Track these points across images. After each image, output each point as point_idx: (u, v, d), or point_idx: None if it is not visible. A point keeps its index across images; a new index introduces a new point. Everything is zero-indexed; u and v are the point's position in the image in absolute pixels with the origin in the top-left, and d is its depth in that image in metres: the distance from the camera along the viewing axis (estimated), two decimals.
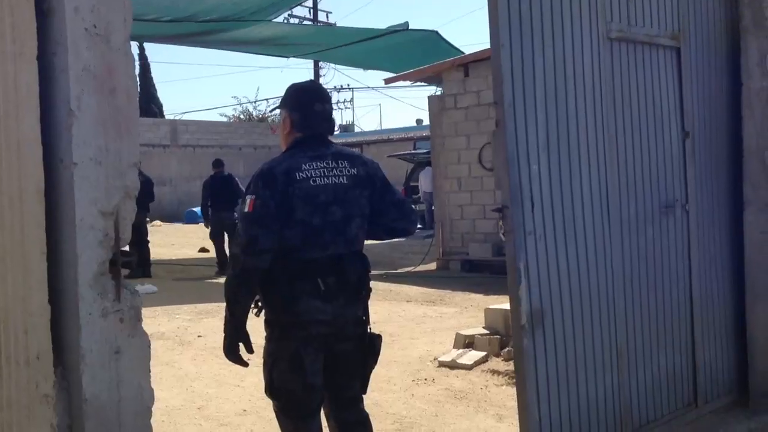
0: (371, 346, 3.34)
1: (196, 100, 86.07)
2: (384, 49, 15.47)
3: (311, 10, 35.01)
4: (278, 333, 3.19)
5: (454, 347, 6.70)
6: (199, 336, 7.86)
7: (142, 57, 36.95)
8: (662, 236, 4.55)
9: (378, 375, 6.01)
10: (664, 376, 4.54)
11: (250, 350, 3.17)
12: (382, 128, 38.96)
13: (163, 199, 25.97)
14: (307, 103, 3.24)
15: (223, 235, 13.05)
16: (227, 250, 12.95)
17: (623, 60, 4.35)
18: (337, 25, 34.44)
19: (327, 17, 37.27)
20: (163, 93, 65.25)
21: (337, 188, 3.17)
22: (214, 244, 13.27)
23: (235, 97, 62.59)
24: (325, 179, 3.15)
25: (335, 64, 30.81)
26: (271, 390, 3.21)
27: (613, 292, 4.24)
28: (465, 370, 6.15)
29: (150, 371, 2.36)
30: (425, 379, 5.94)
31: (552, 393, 3.88)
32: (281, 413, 3.23)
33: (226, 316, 3.13)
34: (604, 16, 4.23)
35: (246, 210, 3.09)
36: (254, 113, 35.13)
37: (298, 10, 33.95)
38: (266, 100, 47.95)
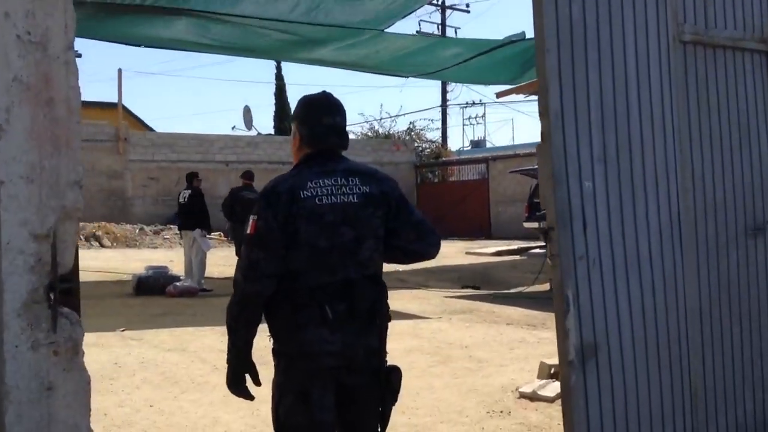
0: (387, 381, 3.04)
1: None
2: (501, 61, 15.01)
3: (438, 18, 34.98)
4: (284, 364, 2.95)
5: (538, 377, 6.27)
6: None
7: (279, 77, 37.84)
8: (749, 262, 4.03)
9: (452, 405, 5.72)
10: (751, 421, 4.01)
11: (257, 382, 2.94)
12: (515, 143, 38.28)
13: None
14: (316, 117, 3.01)
15: None
16: None
17: (699, 65, 3.89)
18: (453, 35, 34.18)
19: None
20: None
21: (347, 207, 2.90)
22: None
23: (361, 114, 63.49)
24: (333, 198, 2.89)
25: (453, 81, 30.50)
26: (277, 427, 2.97)
27: (686, 326, 3.78)
28: (545, 402, 5.72)
29: (89, 409, 2.16)
30: (501, 412, 5.56)
31: None
32: None
33: (228, 346, 2.93)
34: (675, 17, 3.79)
35: (248, 232, 2.88)
36: (380, 130, 35.27)
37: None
38: (391, 117, 48.22)
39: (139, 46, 14.46)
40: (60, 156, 2.05)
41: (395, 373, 3.07)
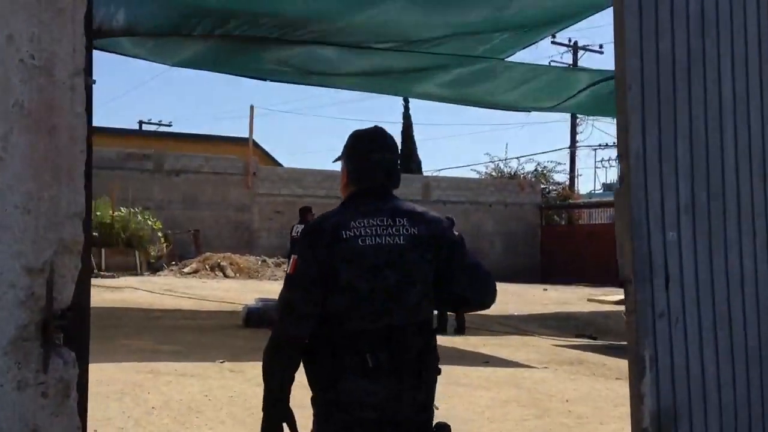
0: None
1: (452, 158, 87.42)
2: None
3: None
4: (322, 415, 2.77)
5: None
6: None
7: (406, 116, 38.14)
8: None
9: None
10: None
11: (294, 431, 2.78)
12: None
13: None
14: (363, 152, 2.84)
15: None
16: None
17: None
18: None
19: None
20: (423, 150, 67.10)
21: (392, 249, 2.71)
22: None
23: (487, 153, 62.83)
24: (378, 239, 2.71)
25: (578, 113, 29.61)
26: None
27: None
28: None
29: None
30: None
31: None
32: None
33: (264, 391, 2.77)
34: None
35: (288, 271, 2.75)
36: (505, 170, 34.84)
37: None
38: (517, 158, 47.51)
39: (264, 80, 14.83)
40: (60, 186, 1.97)
41: (444, 429, 2.83)
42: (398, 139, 31.51)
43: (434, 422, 2.85)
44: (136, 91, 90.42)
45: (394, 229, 2.74)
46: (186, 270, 22.23)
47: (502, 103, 16.57)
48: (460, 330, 12.59)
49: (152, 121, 40.70)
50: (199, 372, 7.98)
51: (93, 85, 2.02)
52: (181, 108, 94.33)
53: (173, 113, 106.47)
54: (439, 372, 2.85)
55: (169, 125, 39.92)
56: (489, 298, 2.89)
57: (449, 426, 2.87)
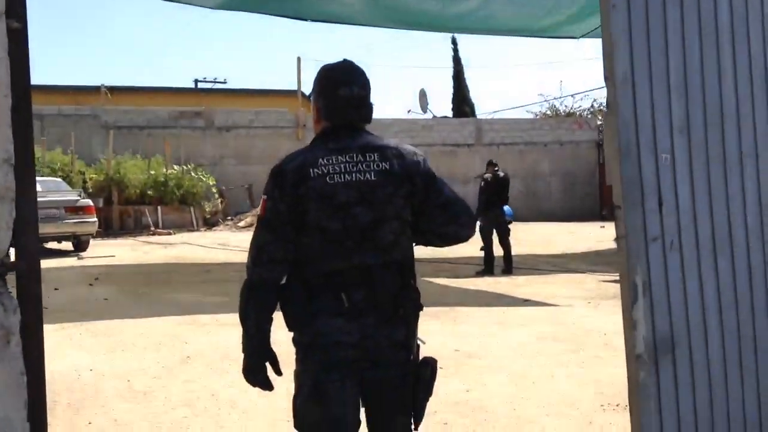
0: (417, 375, 2.79)
1: (506, 100, 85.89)
2: None
3: None
4: (302, 355, 2.78)
5: None
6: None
7: (456, 60, 37.69)
8: None
9: (566, 396, 5.35)
10: None
11: (277, 372, 2.78)
12: None
13: (467, 196, 26.28)
14: (332, 88, 2.78)
15: (493, 233, 12.80)
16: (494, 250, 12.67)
17: None
18: None
19: None
20: (476, 94, 66.01)
21: (362, 186, 2.66)
22: (483, 242, 12.96)
23: (541, 94, 61.66)
24: (347, 175, 2.66)
25: None
26: (295, 420, 2.81)
27: None
28: None
29: (26, 403, 2.07)
30: (617, 405, 5.12)
31: None
32: None
33: (242, 334, 2.79)
34: None
35: (259, 213, 2.74)
36: (561, 108, 34.19)
37: None
38: (572, 95, 46.49)
39: (305, 20, 14.76)
40: None
41: (426, 367, 2.82)
42: (449, 83, 30.66)
43: (420, 357, 2.86)
44: (193, 51, 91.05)
45: (364, 165, 2.70)
46: (241, 224, 22.60)
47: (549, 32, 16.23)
48: (508, 270, 12.55)
49: (207, 79, 40.98)
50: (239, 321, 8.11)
51: (21, 29, 1.99)
52: (235, 65, 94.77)
53: (227, 71, 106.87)
54: (420, 309, 2.82)
55: (224, 82, 40.07)
56: (464, 232, 2.84)
57: (435, 360, 2.86)
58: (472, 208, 2.91)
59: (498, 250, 12.68)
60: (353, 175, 2.67)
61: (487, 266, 12.69)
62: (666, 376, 3.03)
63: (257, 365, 2.75)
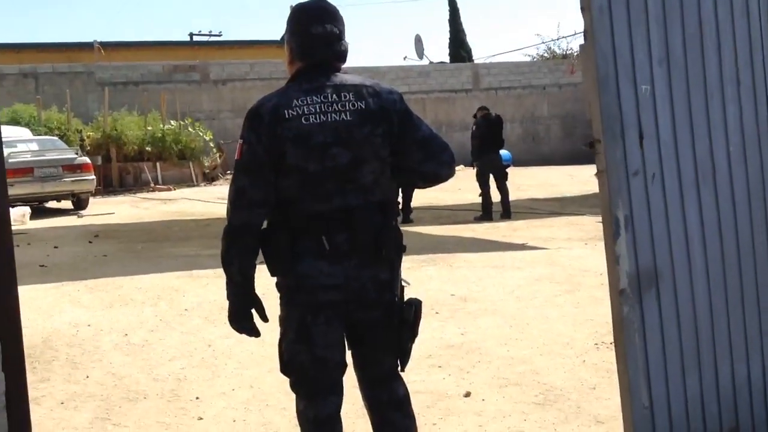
0: (402, 316, 2.78)
1: (502, 44, 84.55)
2: None
3: None
4: (286, 299, 2.77)
5: None
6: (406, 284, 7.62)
7: (452, 3, 37.14)
8: None
9: (560, 336, 5.37)
10: None
11: (263, 318, 2.76)
12: None
13: (466, 143, 26.16)
14: (304, 26, 2.72)
15: (490, 178, 12.74)
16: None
17: None
18: None
19: None
20: (472, 38, 64.98)
21: (339, 126, 2.63)
22: (480, 187, 12.92)
23: (538, 35, 60.16)
24: (323, 116, 2.62)
25: None
26: (281, 363, 2.82)
27: None
28: None
29: None
30: (610, 343, 5.12)
31: (672, 373, 3.07)
32: (293, 391, 2.83)
33: (226, 280, 2.77)
34: None
35: (236, 157, 2.71)
36: (558, 51, 33.78)
37: None
38: (565, 37, 45.82)
39: None
40: None
41: (410, 307, 2.81)
42: (446, 28, 30.33)
43: (406, 298, 2.85)
44: (187, 3, 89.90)
45: (339, 105, 2.66)
46: None
47: None
48: (506, 215, 12.53)
49: (202, 33, 40.52)
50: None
51: None
52: (230, 17, 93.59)
53: (223, 24, 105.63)
54: (403, 250, 2.81)
55: (219, 35, 39.60)
56: (443, 170, 2.80)
57: (420, 301, 2.85)
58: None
59: (496, 195, 12.63)
60: (329, 115, 2.63)
61: (485, 212, 12.66)
62: (650, 309, 3.02)
63: (243, 312, 2.74)
